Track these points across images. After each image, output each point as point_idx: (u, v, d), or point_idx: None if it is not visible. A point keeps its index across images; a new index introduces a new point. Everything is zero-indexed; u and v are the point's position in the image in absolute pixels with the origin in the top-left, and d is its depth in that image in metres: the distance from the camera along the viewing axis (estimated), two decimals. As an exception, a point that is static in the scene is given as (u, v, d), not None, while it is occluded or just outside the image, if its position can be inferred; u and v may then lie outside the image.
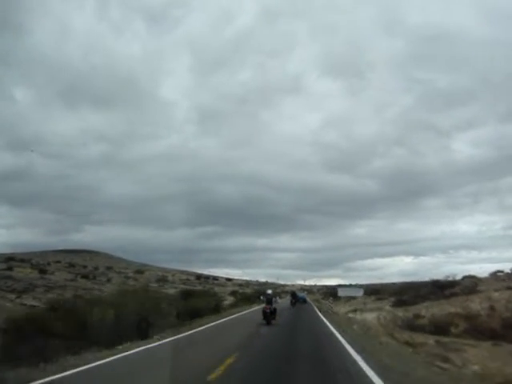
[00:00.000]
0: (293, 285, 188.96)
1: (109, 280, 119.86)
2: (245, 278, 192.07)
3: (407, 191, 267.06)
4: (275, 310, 26.81)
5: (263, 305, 27.59)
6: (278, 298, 33.22)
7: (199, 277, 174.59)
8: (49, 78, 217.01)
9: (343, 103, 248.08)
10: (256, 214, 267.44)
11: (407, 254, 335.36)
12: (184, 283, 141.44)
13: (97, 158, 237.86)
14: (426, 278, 51.51)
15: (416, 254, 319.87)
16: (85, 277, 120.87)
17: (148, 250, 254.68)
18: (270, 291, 29.91)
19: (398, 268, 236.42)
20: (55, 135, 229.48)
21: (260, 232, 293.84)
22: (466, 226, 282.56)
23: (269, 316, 25.25)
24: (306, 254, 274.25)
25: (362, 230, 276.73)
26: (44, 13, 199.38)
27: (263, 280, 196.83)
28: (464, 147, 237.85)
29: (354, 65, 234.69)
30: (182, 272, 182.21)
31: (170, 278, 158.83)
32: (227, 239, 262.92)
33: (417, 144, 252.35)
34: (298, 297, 58.96)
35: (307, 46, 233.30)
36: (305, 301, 66.34)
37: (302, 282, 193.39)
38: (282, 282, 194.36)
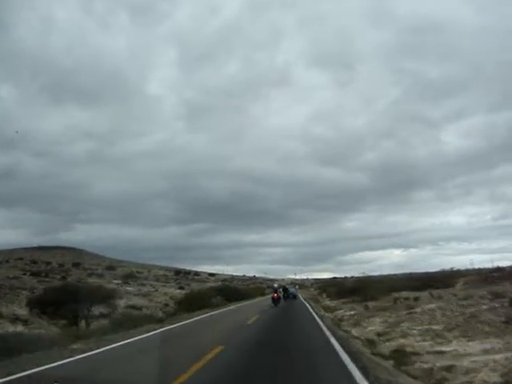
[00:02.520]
0: (282, 279, 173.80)
1: (63, 277, 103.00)
2: (230, 273, 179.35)
3: (397, 183, 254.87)
4: (280, 298, 34.24)
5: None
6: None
7: (178, 272, 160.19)
8: (33, 74, 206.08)
9: (332, 95, 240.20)
10: (246, 209, 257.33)
11: (397, 246, 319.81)
12: (157, 280, 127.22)
13: (84, 156, 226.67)
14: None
15: (406, 247, 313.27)
16: (35, 274, 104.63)
17: (137, 248, 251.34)
18: (276, 284, 38.03)
19: (389, 261, 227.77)
20: (41, 133, 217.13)
21: (250, 228, 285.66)
22: (457, 217, 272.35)
23: (276, 301, 32.46)
24: (297, 249, 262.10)
25: (352, 223, 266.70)
26: (26, 7, 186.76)
27: (251, 275, 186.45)
28: (454, 138, 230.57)
29: (342, 56, 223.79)
30: (161, 268, 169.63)
31: (144, 274, 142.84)
32: (217, 236, 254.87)
33: (407, 136, 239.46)
34: (287, 291, 47.79)
35: (294, 38, 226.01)
36: (294, 297, 50.88)
37: (292, 276, 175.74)
38: (272, 277, 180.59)
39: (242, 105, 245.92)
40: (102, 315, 28.38)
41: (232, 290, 49.33)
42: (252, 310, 26.46)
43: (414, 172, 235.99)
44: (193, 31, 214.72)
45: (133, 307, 50.24)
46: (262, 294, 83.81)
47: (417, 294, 26.46)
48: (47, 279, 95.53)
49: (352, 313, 20.15)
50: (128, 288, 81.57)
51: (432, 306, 17.12)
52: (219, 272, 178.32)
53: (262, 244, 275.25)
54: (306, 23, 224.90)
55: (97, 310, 29.47)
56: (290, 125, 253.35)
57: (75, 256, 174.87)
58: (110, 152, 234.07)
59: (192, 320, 20.39)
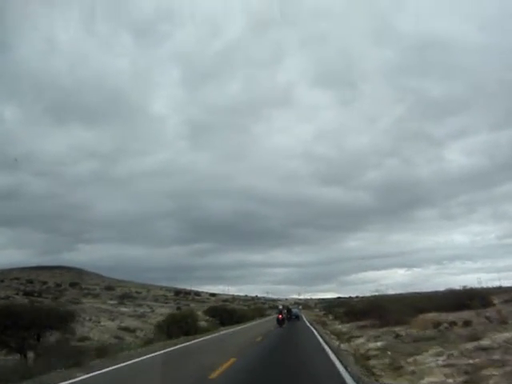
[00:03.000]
0: (286, 299, 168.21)
1: (56, 298, 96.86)
2: (231, 293, 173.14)
3: (400, 202, 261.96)
4: (284, 319, 34.61)
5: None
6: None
7: (178, 292, 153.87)
8: (36, 95, 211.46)
9: (335, 114, 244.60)
10: (249, 229, 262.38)
11: (401, 265, 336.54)
12: (156, 300, 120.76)
13: (87, 176, 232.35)
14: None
15: (410, 266, 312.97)
16: (28, 294, 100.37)
17: (139, 268, 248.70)
18: (280, 306, 40.04)
19: (393, 280, 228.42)
20: (44, 153, 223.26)
21: (254, 247, 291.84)
22: (461, 236, 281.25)
23: (281, 322, 33.18)
24: (300, 269, 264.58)
25: (355, 242, 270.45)
26: (29, 28, 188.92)
27: (253, 295, 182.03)
28: (457, 156, 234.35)
29: (345, 75, 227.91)
30: (161, 288, 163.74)
31: (143, 294, 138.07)
32: (220, 256, 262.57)
33: (410, 154, 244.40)
34: (291, 312, 45.90)
35: (297, 57, 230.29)
36: (297, 317, 49.50)
37: (296, 296, 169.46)
38: (274, 297, 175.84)
39: (244, 124, 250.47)
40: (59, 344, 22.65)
41: (226, 312, 43.16)
42: (241, 340, 20.80)
43: (417, 190, 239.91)
44: (195, 51, 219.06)
45: (125, 329, 44.71)
46: (262, 316, 77.34)
47: (454, 315, 20.46)
48: (39, 299, 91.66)
49: (379, 344, 14.15)
50: (123, 309, 76.11)
51: (507, 334, 11.20)
52: (221, 292, 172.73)
53: (266, 264, 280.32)
54: (308, 42, 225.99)
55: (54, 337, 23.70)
56: (292, 144, 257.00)
57: (74, 276, 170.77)
58: (113, 172, 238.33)
59: (152, 355, 14.63)
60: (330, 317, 53.78)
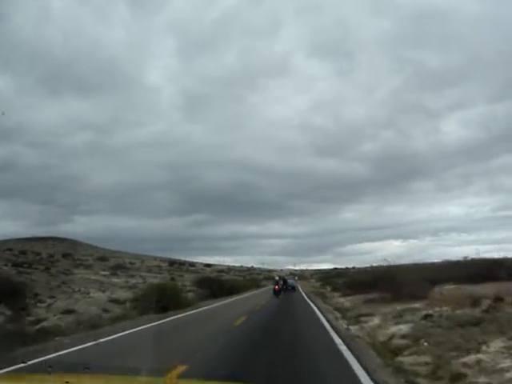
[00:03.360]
0: (281, 270, 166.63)
1: (47, 268, 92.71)
2: (227, 264, 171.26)
3: (397, 174, 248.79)
4: (280, 289, 36.91)
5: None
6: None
7: (173, 263, 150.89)
8: (29, 65, 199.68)
9: (331, 85, 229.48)
10: (245, 200, 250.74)
11: (397, 237, 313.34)
12: (149, 271, 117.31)
13: (82, 147, 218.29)
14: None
15: (405, 237, 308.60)
16: (17, 265, 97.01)
17: (134, 239, 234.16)
18: (277, 277, 42.27)
19: (388, 251, 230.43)
20: (38, 124, 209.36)
21: (250, 218, 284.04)
22: (456, 208, 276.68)
23: (277, 292, 35.39)
24: (296, 240, 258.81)
25: (351, 214, 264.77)
26: None
27: (249, 265, 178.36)
28: (454, 128, 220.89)
29: (342, 45, 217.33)
30: (156, 258, 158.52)
31: (137, 264, 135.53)
32: (217, 227, 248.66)
33: (406, 126, 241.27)
34: (287, 283, 46.67)
35: (294, 26, 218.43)
36: (293, 288, 50.11)
37: (291, 267, 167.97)
38: (270, 268, 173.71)
39: (240, 94, 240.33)
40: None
41: (217, 282, 39.70)
42: (233, 313, 17.30)
43: (413, 162, 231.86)
44: (191, 20, 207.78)
45: (115, 301, 41.95)
46: (258, 287, 74.61)
47: (481, 288, 17.02)
48: (29, 270, 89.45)
49: (404, 329, 10.54)
50: (115, 280, 73.87)
51: None
52: (216, 263, 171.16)
53: (262, 235, 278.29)
54: (305, 11, 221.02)
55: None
56: (288, 114, 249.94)
57: (68, 247, 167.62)
58: (108, 142, 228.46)
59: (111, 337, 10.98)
60: (328, 288, 50.86)
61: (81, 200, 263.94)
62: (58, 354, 9.15)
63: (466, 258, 34.12)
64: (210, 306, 24.45)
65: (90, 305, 38.56)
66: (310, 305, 22.96)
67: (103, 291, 52.21)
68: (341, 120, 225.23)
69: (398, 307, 15.77)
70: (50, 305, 47.58)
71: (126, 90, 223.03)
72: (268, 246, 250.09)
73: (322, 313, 17.66)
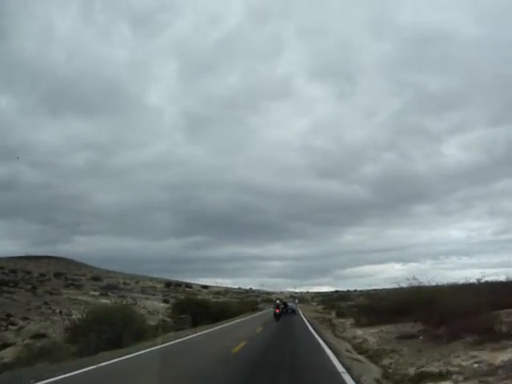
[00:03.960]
0: (281, 292, 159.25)
1: (34, 288, 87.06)
2: (225, 286, 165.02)
3: (397, 197, 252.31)
4: (281, 313, 34.49)
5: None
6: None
7: (169, 284, 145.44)
8: (32, 84, 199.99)
9: (332, 107, 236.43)
10: (246, 222, 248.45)
11: (398, 260, 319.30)
12: (143, 291, 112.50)
13: (83, 167, 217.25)
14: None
15: (406, 261, 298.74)
16: (1, 284, 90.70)
17: (134, 260, 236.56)
18: (278, 301, 40.32)
19: (389, 275, 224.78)
20: (40, 144, 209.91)
21: (250, 240, 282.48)
22: (457, 231, 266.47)
23: (278, 316, 33.16)
24: (296, 262, 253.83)
25: (352, 236, 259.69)
26: (26, 16, 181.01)
27: (247, 287, 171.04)
28: (455, 151, 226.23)
29: (343, 68, 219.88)
30: (152, 279, 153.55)
31: (131, 285, 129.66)
32: (217, 248, 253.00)
33: (407, 148, 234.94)
34: (287, 307, 44.51)
35: (295, 49, 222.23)
36: (293, 312, 48.12)
37: (291, 289, 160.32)
38: (269, 290, 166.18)
39: (242, 116, 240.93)
40: None
41: (200, 306, 32.09)
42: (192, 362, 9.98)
43: (414, 185, 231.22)
44: (194, 42, 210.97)
45: None
46: (254, 310, 66.79)
47: None
48: (13, 289, 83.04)
49: None
50: (103, 300, 67.48)
51: None
52: (214, 285, 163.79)
53: (262, 257, 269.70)
54: (306, 34, 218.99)
55: None
56: (289, 137, 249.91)
57: (62, 266, 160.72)
58: (109, 163, 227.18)
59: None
60: (333, 313, 43.37)
61: (81, 220, 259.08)
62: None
63: (479, 280, 27.20)
64: (158, 347, 16.58)
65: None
66: (317, 341, 15.37)
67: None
68: (342, 142, 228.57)
69: (490, 354, 8.49)
70: (21, 328, 40.89)
71: (127, 111, 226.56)
72: (268, 268, 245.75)
73: (340, 361, 10.30)
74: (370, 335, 16.42)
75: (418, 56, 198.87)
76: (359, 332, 18.51)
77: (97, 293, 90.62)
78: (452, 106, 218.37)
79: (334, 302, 74.01)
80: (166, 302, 78.93)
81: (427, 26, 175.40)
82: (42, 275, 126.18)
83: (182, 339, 16.50)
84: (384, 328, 17.66)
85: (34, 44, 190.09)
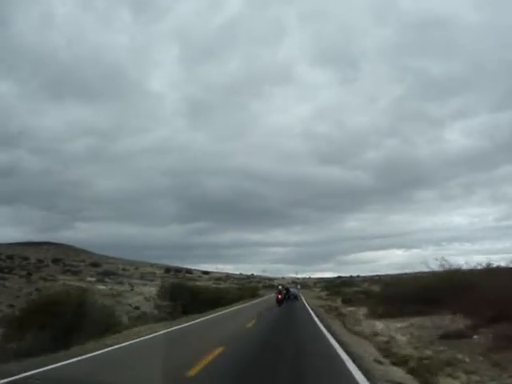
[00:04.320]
0: (283, 278, 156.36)
1: (29, 274, 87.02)
2: (226, 272, 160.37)
3: (400, 183, 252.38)
4: (283, 299, 35.22)
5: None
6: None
7: (169, 270, 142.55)
8: (33, 70, 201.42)
9: (334, 93, 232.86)
10: (248, 208, 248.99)
11: (399, 246, 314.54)
12: (142, 277, 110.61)
13: (84, 152, 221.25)
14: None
15: (408, 247, 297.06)
16: None
17: (136, 246, 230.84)
18: (280, 286, 40.05)
19: (390, 261, 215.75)
20: (41, 129, 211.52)
21: (253, 226, 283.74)
22: (459, 217, 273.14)
23: (280, 302, 33.74)
24: (298, 248, 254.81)
25: (354, 223, 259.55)
26: (26, 2, 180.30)
27: (249, 273, 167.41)
28: (457, 137, 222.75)
29: (345, 53, 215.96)
30: (152, 265, 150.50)
31: (130, 271, 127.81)
32: (219, 234, 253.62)
33: (409, 134, 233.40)
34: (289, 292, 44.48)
35: (297, 34, 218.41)
36: (296, 297, 47.03)
37: (293, 275, 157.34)
38: (271, 276, 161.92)
39: (243, 102, 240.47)
40: None
41: (190, 292, 28.30)
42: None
43: (416, 171, 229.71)
44: (195, 27, 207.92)
45: None
46: (254, 297, 62.91)
47: None
48: (6, 275, 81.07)
49: None
50: (100, 287, 64.90)
51: None
52: (215, 270, 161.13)
53: (264, 243, 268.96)
54: (308, 19, 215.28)
55: None
56: (291, 122, 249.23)
57: (61, 252, 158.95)
58: (110, 149, 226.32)
59: None
60: (338, 300, 39.66)
61: (82, 206, 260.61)
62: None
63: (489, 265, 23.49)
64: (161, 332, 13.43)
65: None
66: (327, 340, 11.37)
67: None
68: (344, 128, 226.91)
69: None
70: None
71: (129, 96, 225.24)
72: (270, 254, 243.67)
73: (363, 372, 6.53)
74: (396, 331, 12.49)
75: (419, 41, 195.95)
76: (379, 325, 14.57)
77: (93, 279, 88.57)
78: (454, 91, 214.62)
79: (338, 287, 70.45)
80: (162, 288, 76.52)
81: (429, 10, 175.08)
82: (40, 261, 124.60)
83: (141, 338, 12.40)
84: (413, 321, 13.78)
85: (35, 30, 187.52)
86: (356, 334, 13.19)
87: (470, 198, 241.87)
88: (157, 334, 13.47)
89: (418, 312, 14.65)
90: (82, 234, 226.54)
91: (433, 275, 17.19)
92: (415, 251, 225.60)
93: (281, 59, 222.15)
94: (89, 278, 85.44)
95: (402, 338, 11.14)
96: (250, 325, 16.58)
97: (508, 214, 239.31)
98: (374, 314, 18.79)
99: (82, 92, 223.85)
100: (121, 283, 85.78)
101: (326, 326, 15.33)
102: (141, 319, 20.82)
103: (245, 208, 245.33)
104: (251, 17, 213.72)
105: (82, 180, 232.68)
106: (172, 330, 15.08)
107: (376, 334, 12.49)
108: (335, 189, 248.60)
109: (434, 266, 17.07)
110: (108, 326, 13.94)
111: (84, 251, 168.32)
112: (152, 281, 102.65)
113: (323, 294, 65.57)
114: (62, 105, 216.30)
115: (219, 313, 25.59)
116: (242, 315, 23.53)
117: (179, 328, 16.09)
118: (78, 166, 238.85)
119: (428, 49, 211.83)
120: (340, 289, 62.36)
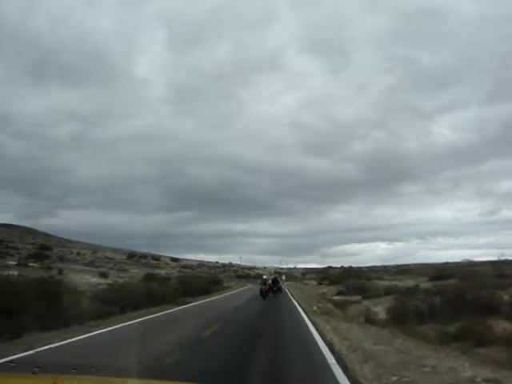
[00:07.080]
0: (265, 267, 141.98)
1: None
2: (198, 259, 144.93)
3: (386, 176, 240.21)
4: (268, 291, 31.36)
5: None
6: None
7: (132, 255, 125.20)
8: (15, 53, 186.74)
9: (323, 82, 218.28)
10: (233, 198, 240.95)
11: (383, 239, 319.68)
12: (90, 263, 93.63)
13: (67, 138, 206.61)
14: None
15: (392, 240, 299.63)
16: None
17: (120, 235, 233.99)
18: (265, 276, 38.21)
19: (374, 254, 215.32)
20: (23, 114, 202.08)
21: (237, 217, 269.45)
22: (444, 211, 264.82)
23: (264, 293, 30.64)
24: (282, 240, 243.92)
25: (339, 215, 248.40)
26: None
27: (225, 262, 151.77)
28: (445, 130, 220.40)
29: (334, 41, 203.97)
30: (114, 250, 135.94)
31: (86, 255, 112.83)
32: (203, 224, 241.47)
33: (397, 127, 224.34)
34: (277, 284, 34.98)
35: (287, 21, 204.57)
36: (279, 289, 35.55)
37: (276, 265, 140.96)
38: (250, 265, 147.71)
39: (231, 89, 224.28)
40: None
41: None
42: None
43: (403, 164, 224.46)
44: (182, 11, 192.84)
45: None
46: (225, 289, 44.47)
47: None
48: None
49: None
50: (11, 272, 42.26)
51: None
52: (194, 258, 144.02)
53: (248, 234, 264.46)
54: (298, 6, 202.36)
55: None
56: (279, 112, 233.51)
57: (16, 234, 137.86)
58: (95, 135, 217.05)
59: None
60: (383, 312, 15.80)
61: (65, 193, 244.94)
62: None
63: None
64: None
65: None
66: None
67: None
68: (331, 119, 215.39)
69: None
70: None
71: (114, 81, 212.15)
72: (254, 245, 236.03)
73: None
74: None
75: (411, 31, 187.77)
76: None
77: (14, 263, 66.25)
78: (445, 83, 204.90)
79: (343, 278, 46.94)
80: (104, 276, 57.23)
81: (422, 0, 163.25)
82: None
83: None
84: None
85: (17, 11, 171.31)
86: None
87: (456, 193, 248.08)
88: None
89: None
90: (65, 221, 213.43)
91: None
92: (399, 244, 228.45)
93: (269, 46, 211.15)
94: (9, 262, 66.98)
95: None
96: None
97: (493, 209, 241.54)
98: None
99: (66, 76, 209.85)
100: (49, 268, 64.26)
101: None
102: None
103: (230, 198, 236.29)
104: (240, 2, 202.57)
105: (65, 167, 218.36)
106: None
107: None
108: (321, 180, 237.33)
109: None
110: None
111: (46, 234, 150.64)
112: (97, 267, 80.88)
113: (326, 290, 40.86)
114: (45, 89, 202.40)
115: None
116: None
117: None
118: (62, 152, 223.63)
119: (420, 39, 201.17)
120: (352, 283, 38.51)
